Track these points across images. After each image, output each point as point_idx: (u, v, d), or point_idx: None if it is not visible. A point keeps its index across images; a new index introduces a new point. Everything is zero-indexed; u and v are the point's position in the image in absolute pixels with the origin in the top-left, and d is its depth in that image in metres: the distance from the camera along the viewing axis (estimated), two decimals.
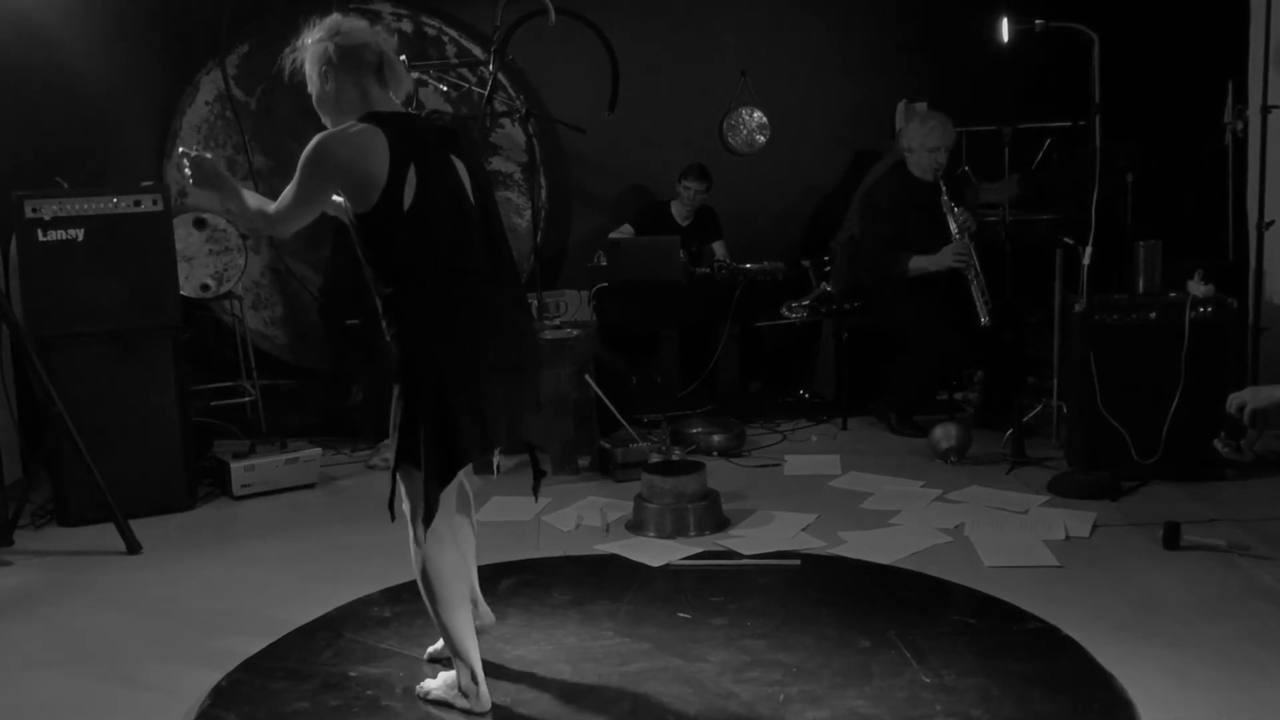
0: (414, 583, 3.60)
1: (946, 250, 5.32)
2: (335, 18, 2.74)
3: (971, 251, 5.28)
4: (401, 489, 2.76)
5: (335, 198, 2.78)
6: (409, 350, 2.64)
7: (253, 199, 2.82)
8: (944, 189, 5.34)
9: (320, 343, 6.19)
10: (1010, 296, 5.44)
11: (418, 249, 2.63)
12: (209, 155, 2.87)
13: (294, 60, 2.77)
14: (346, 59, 2.68)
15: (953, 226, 5.31)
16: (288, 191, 2.71)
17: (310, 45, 2.73)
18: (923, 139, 5.41)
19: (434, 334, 2.63)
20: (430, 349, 2.63)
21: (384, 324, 2.69)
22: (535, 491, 3.10)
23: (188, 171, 2.83)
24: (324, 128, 2.72)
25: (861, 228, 5.79)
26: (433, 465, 2.64)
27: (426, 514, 2.68)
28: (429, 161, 2.66)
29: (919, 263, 5.40)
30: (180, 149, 3.01)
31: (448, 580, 2.77)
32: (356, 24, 2.74)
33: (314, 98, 2.77)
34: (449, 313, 2.64)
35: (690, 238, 6.21)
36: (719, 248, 6.36)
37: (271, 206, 2.76)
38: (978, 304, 5.21)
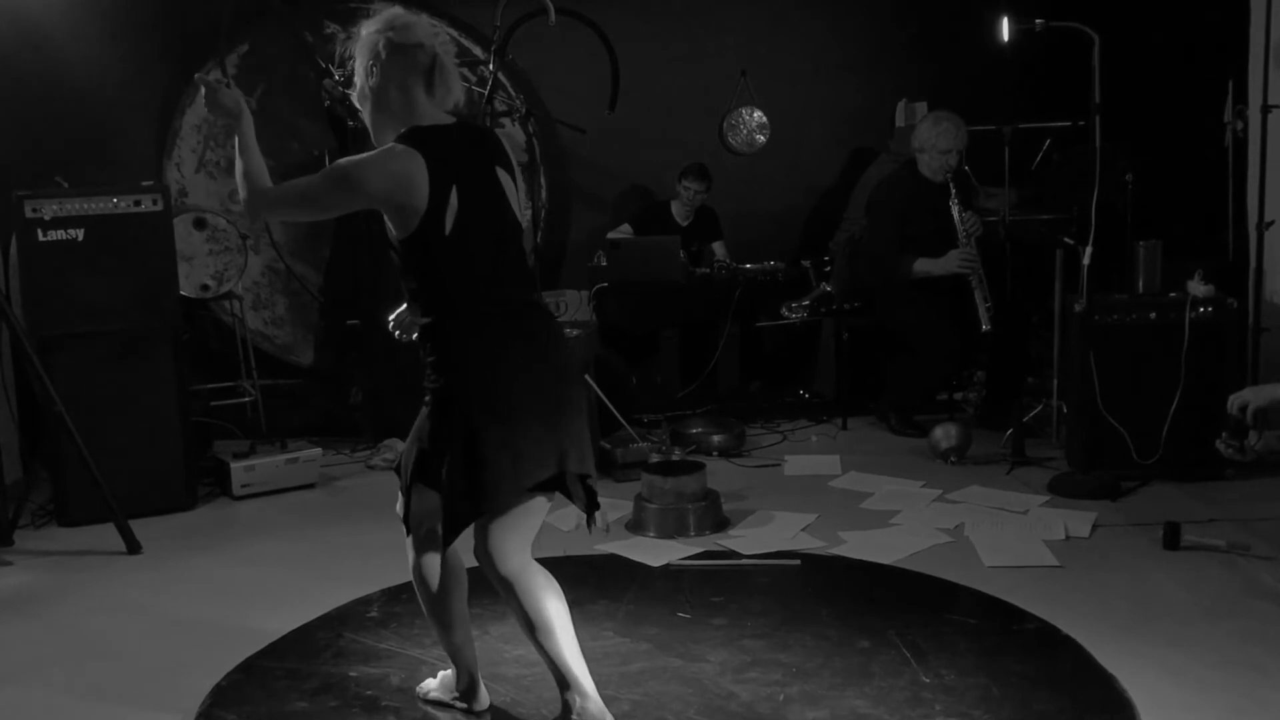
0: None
1: (952, 255, 5.32)
2: (395, 10, 2.60)
3: (976, 257, 5.28)
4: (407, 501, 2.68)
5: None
6: (447, 386, 2.51)
7: (260, 163, 2.62)
8: (953, 192, 5.33)
9: (320, 343, 6.19)
10: (1011, 297, 5.43)
11: (457, 274, 2.52)
12: (230, 88, 2.70)
13: (347, 49, 2.63)
14: (395, 56, 2.52)
15: (960, 230, 5.31)
16: (299, 184, 2.58)
17: (364, 36, 2.58)
18: (935, 140, 5.41)
19: (475, 370, 2.50)
20: (470, 387, 2.50)
21: (421, 352, 2.57)
22: (590, 521, 2.79)
23: (202, 92, 2.66)
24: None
25: (868, 225, 5.77)
26: (457, 505, 2.51)
27: (444, 541, 2.56)
28: (472, 180, 2.53)
29: (923, 266, 5.39)
30: (213, 78, 2.72)
31: (444, 584, 2.74)
32: (414, 20, 2.59)
33: (356, 90, 2.62)
34: (489, 350, 2.51)
35: (690, 238, 6.21)
36: (719, 248, 6.35)
37: (272, 186, 2.59)
38: (980, 310, 5.21)
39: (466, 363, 2.51)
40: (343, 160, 2.53)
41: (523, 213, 2.68)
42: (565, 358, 2.67)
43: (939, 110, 5.64)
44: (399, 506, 2.74)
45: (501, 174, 2.61)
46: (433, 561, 2.73)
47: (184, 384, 4.76)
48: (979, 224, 5.39)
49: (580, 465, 2.62)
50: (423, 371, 2.59)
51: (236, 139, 2.62)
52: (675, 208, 6.33)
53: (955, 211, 5.31)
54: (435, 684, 2.93)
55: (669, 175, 6.34)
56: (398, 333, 2.89)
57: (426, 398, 2.57)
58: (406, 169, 2.44)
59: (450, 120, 2.60)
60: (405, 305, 2.84)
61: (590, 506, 2.70)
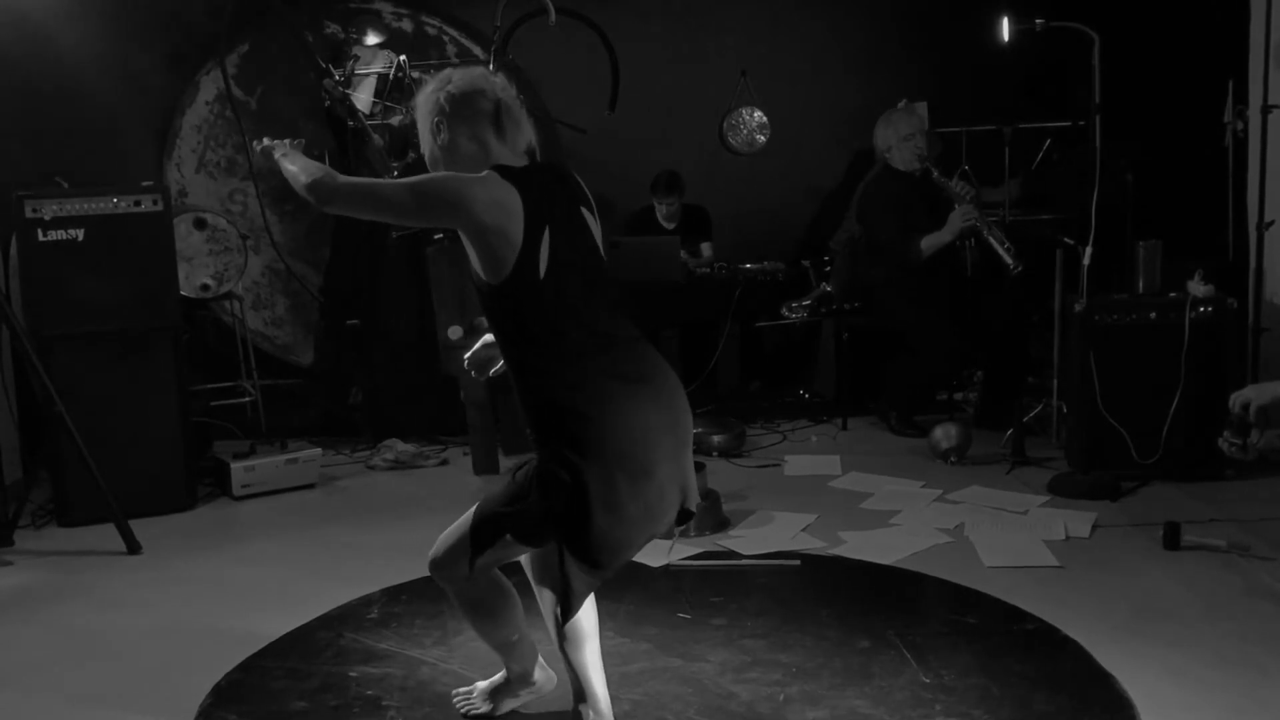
0: (414, 582, 3.63)
1: (953, 217, 5.36)
2: (447, 70, 2.56)
3: (977, 210, 5.32)
4: (466, 536, 2.53)
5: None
6: (573, 443, 2.34)
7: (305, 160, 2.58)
8: (933, 171, 5.40)
9: (320, 343, 6.19)
10: (1010, 296, 5.43)
11: (558, 321, 2.38)
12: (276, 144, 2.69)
13: (411, 119, 2.60)
14: (460, 107, 2.46)
15: (954, 197, 5.36)
16: (377, 185, 2.51)
17: (420, 101, 2.53)
18: (895, 131, 5.51)
19: (602, 422, 2.35)
20: (604, 443, 2.34)
21: (522, 405, 2.43)
22: (679, 531, 2.73)
23: (269, 149, 2.67)
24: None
25: (865, 226, 5.77)
26: (584, 564, 2.38)
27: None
28: (561, 220, 2.43)
29: (931, 240, 5.42)
30: (266, 142, 2.73)
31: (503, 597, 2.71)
32: (470, 71, 2.55)
33: (427, 157, 2.54)
34: (613, 398, 2.36)
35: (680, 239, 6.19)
36: (706, 248, 6.33)
37: (340, 177, 2.49)
38: (1000, 253, 5.24)
39: (590, 415, 2.35)
40: (443, 174, 2.44)
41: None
42: (679, 391, 2.52)
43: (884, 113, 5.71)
44: (438, 553, 2.59)
45: (585, 214, 2.53)
46: (498, 596, 2.69)
47: (184, 384, 4.75)
48: (969, 187, 5.45)
49: (695, 500, 2.55)
50: (523, 419, 2.43)
51: (282, 157, 2.60)
52: (658, 214, 6.31)
53: (942, 181, 5.37)
54: (479, 702, 2.84)
55: None
56: (473, 372, 2.79)
57: (537, 457, 2.41)
58: (506, 197, 2.34)
59: (528, 161, 2.52)
60: (480, 343, 2.75)
61: (681, 520, 2.62)
